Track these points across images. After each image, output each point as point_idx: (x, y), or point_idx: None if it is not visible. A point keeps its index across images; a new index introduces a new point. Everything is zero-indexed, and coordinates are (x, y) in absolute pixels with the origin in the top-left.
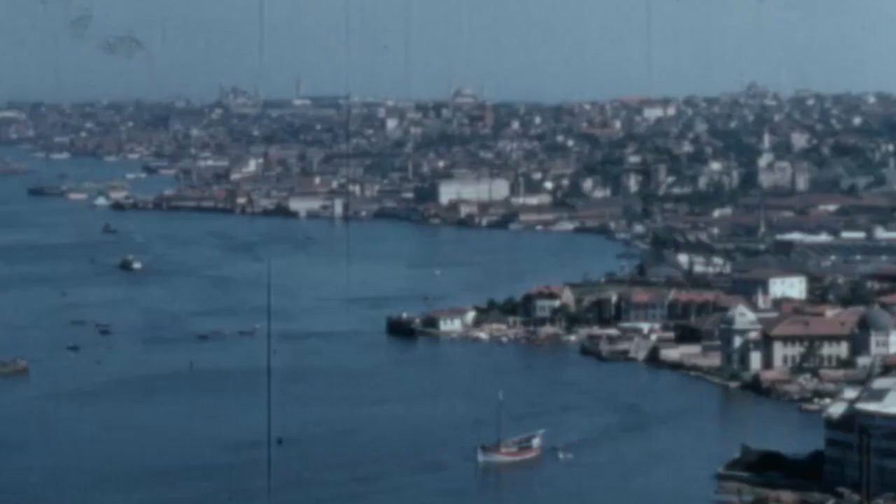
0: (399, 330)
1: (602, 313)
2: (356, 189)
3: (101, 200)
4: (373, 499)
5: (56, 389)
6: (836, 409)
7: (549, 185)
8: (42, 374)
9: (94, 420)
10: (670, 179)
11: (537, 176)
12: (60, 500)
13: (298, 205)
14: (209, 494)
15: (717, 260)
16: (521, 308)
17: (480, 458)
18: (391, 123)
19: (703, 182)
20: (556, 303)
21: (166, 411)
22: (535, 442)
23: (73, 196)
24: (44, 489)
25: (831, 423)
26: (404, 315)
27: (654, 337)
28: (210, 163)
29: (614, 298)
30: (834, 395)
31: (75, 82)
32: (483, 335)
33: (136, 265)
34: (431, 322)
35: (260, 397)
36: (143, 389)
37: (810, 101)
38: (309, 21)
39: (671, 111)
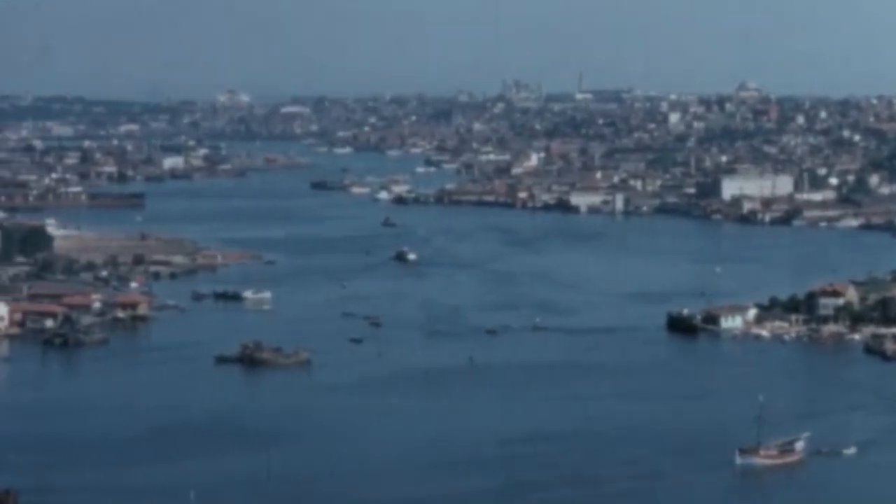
0: (679, 326)
1: (887, 312)
2: (637, 184)
3: (382, 194)
4: (650, 497)
5: (337, 381)
6: None
7: (833, 180)
8: (323, 366)
9: (374, 412)
10: None
11: (822, 171)
12: (339, 492)
13: (579, 199)
14: (487, 488)
15: None
16: (803, 306)
17: (738, 460)
18: (674, 117)
19: None
20: (840, 301)
21: (445, 405)
22: (799, 445)
23: (356, 190)
24: (324, 480)
25: None
26: (685, 311)
27: None
28: (491, 157)
29: None
30: None
31: (359, 77)
32: (765, 333)
33: (411, 256)
34: (712, 319)
35: (541, 391)
36: (423, 382)
37: None
38: (589, 15)
39: None
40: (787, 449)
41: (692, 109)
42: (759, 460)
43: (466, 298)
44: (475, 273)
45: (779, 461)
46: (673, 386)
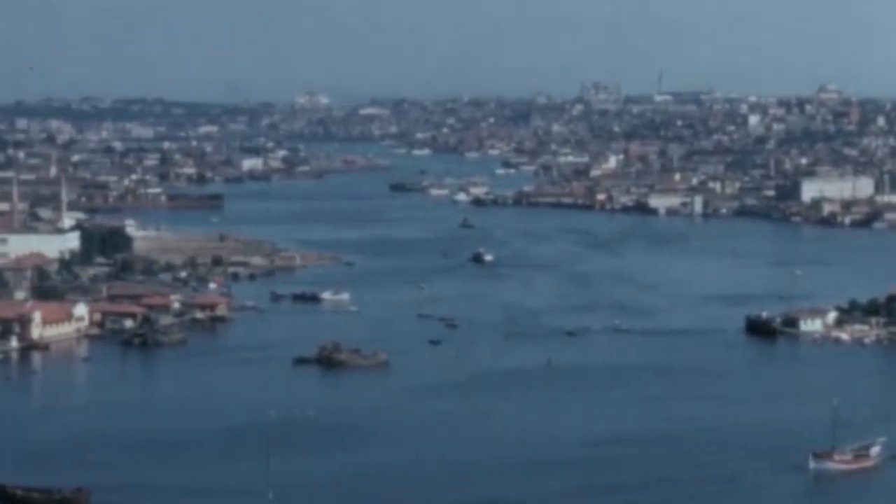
0: (758, 329)
1: None
2: (716, 186)
3: (461, 196)
4: (725, 500)
5: (415, 382)
6: None
7: None
8: (402, 368)
9: (453, 414)
10: None
11: None
12: (419, 493)
13: (658, 202)
14: (568, 490)
15: None
16: (883, 309)
17: (812, 465)
18: (753, 119)
19: None
20: None
21: (524, 406)
22: (874, 450)
23: (434, 192)
24: (401, 481)
25: None
26: (764, 314)
27: None
28: (570, 159)
29: None
30: None
31: (438, 79)
32: (844, 336)
33: (488, 258)
34: (791, 322)
35: (619, 394)
36: (500, 384)
37: None
38: (669, 17)
39: None
40: (861, 454)
41: (772, 111)
42: (832, 465)
43: (544, 300)
44: (553, 275)
45: (853, 466)
46: (751, 389)
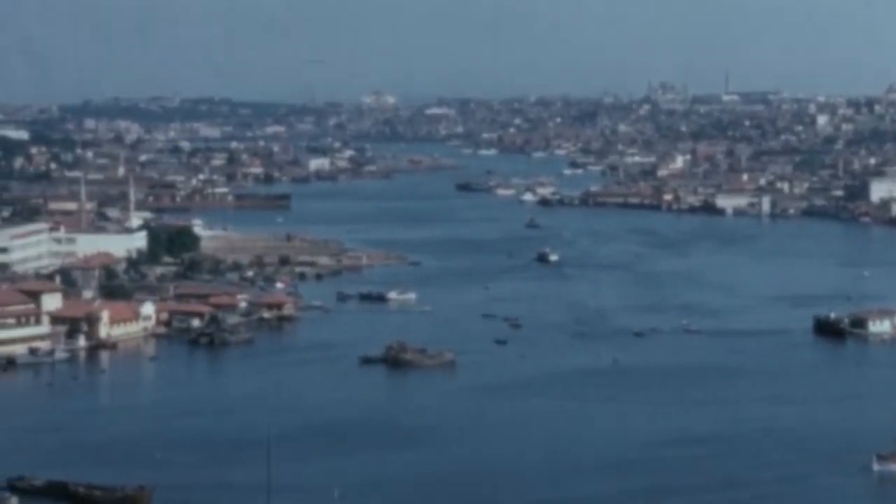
0: (826, 330)
1: None
2: (784, 186)
3: (527, 196)
4: (789, 502)
5: (481, 382)
6: None
7: None
8: (468, 367)
9: (519, 414)
10: None
11: None
12: (484, 493)
13: (725, 202)
14: (634, 490)
15: None
16: None
17: (875, 466)
18: (822, 119)
19: None
20: None
21: (590, 407)
22: None
23: (501, 192)
24: (467, 481)
25: None
26: (832, 315)
27: None
28: (637, 159)
29: None
30: None
31: (505, 78)
32: None
33: (553, 258)
34: (860, 323)
35: (686, 394)
36: (566, 384)
37: None
38: (736, 17)
39: None
40: None
41: (840, 111)
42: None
43: (610, 300)
44: (620, 275)
45: None
46: (818, 390)
